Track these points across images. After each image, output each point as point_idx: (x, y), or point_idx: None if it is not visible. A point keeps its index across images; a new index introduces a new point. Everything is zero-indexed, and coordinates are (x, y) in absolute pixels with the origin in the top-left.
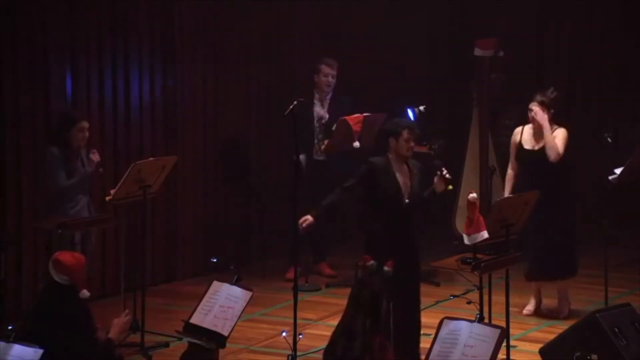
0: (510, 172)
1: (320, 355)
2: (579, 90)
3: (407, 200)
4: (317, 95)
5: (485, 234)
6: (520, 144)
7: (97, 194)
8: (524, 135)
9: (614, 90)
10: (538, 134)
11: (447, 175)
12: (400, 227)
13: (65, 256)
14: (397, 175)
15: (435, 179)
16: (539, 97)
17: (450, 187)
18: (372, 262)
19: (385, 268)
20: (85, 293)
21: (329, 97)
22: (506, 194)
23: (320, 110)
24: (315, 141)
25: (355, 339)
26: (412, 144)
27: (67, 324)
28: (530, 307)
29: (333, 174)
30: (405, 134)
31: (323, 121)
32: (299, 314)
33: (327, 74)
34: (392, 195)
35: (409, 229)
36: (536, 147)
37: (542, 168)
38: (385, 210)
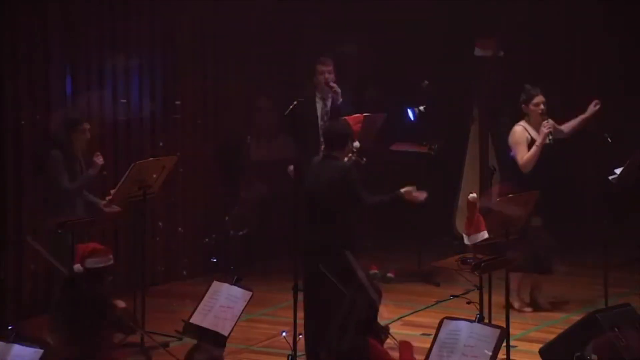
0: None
1: None
2: (578, 90)
3: None
4: (318, 95)
5: (485, 234)
6: (533, 140)
7: (97, 194)
8: (530, 132)
9: (613, 90)
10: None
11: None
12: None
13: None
14: None
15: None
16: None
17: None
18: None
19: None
20: (78, 267)
21: (330, 94)
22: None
23: (323, 108)
24: (322, 139)
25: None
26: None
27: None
28: (529, 307)
29: None
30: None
31: (327, 117)
32: (299, 314)
33: (322, 71)
34: None
35: None
36: (547, 141)
37: (555, 160)
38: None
